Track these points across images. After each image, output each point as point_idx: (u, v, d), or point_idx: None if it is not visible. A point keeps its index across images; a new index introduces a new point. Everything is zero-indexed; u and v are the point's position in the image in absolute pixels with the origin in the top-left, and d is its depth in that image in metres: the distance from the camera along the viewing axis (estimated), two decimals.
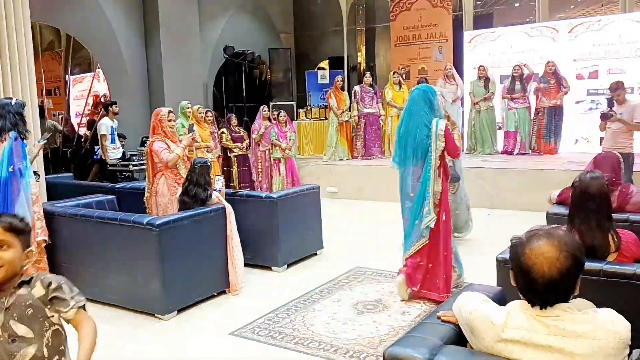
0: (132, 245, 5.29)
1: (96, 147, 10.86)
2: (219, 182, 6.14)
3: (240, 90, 16.80)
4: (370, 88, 12.15)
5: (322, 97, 15.60)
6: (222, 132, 10.30)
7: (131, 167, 10.34)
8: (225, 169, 10.35)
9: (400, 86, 12.11)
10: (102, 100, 13.84)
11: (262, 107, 10.99)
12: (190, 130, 6.91)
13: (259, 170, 10.77)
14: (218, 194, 5.73)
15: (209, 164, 5.75)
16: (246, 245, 6.12)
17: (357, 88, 12.19)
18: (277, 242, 6.52)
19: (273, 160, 10.70)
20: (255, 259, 6.62)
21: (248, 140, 10.63)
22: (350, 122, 12.28)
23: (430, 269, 5.31)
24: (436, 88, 5.48)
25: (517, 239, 2.09)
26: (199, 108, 9.07)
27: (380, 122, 12.20)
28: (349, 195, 11.48)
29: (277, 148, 10.61)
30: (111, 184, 7.94)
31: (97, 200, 6.70)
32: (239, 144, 10.41)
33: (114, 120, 10.56)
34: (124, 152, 10.73)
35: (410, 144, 5.20)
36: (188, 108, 9.04)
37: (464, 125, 12.50)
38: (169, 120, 6.17)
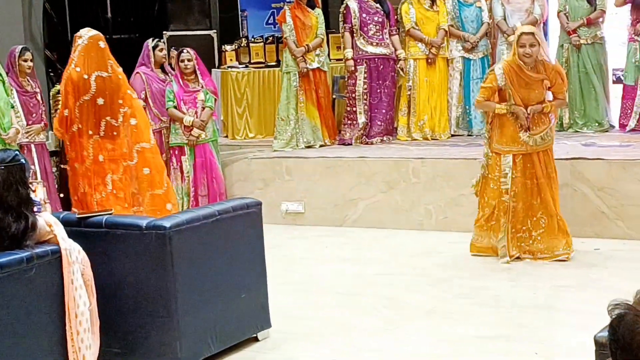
0: None
1: None
2: (38, 192, 4.31)
3: (103, 6, 10.63)
4: (378, 5, 7.70)
5: (272, 22, 10.19)
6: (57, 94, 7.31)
7: None
8: (59, 166, 6.94)
9: (433, 0, 7.84)
10: None
11: (147, 42, 7.45)
12: None
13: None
14: (43, 223, 3.91)
15: (23, 161, 3.89)
16: (109, 328, 4.38)
17: (352, 3, 7.69)
18: (173, 320, 4.49)
19: (170, 149, 7.51)
20: (131, 355, 4.60)
21: None
22: (325, 72, 7.89)
23: None
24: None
25: (623, 306, 1.73)
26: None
27: (399, 70, 7.77)
28: (327, 218, 7.38)
29: (178, 125, 7.34)
30: None
31: None
32: None
33: None
34: None
35: None
36: None
37: None
38: None
